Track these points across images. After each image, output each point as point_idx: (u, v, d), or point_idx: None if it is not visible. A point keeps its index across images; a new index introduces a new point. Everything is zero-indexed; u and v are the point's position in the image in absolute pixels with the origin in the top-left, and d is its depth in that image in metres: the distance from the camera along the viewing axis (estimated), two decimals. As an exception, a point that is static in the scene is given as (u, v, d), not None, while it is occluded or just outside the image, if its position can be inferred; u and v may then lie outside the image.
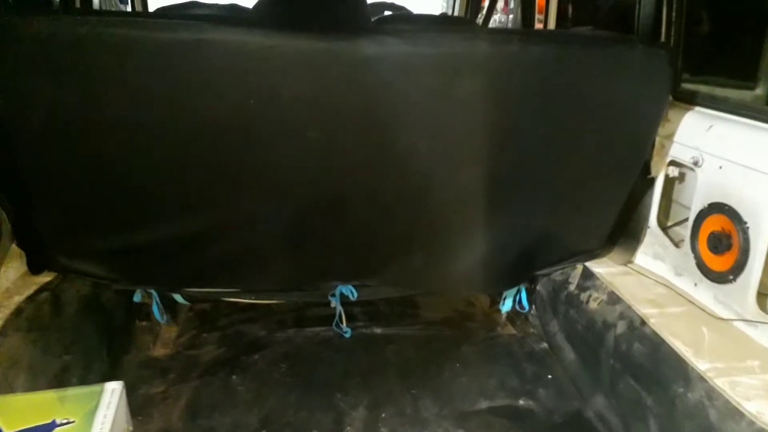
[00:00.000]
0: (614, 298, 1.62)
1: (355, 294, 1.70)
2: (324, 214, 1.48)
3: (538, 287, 1.95)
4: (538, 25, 2.92)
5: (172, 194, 1.40)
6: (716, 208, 1.49)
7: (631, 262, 1.83)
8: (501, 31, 1.55)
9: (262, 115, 1.28)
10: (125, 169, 1.34)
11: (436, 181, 1.47)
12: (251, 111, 1.27)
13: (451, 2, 3.99)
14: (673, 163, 1.69)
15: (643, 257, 1.81)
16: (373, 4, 3.35)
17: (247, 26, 1.21)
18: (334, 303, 1.73)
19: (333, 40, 1.23)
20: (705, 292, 1.55)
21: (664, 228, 1.84)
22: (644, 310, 1.53)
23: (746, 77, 2.27)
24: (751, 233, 1.38)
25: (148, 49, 1.16)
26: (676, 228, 1.84)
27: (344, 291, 1.69)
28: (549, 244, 1.75)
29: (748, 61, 2.26)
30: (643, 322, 1.47)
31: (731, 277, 1.44)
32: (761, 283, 1.40)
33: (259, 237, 1.50)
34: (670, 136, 1.66)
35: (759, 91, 2.26)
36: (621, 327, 1.53)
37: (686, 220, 1.79)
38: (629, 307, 1.55)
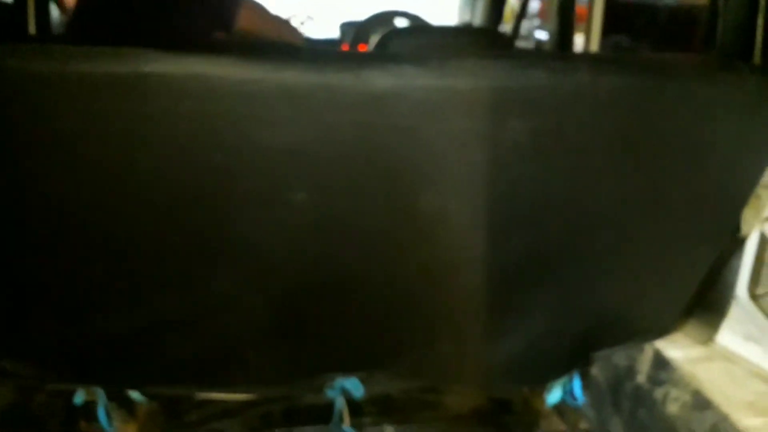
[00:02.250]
0: (702, 401, 1.32)
1: (361, 389, 1.42)
2: (320, 297, 1.21)
3: (594, 371, 1.66)
4: (579, 36, 2.64)
5: (127, 272, 1.14)
6: (844, 287, 1.20)
7: (711, 340, 1.54)
8: (558, 58, 1.29)
9: (231, 173, 1.02)
10: (66, 242, 1.08)
11: (470, 254, 1.19)
12: (218, 168, 1.01)
13: (469, 8, 3.73)
14: (772, 219, 1.41)
15: (729, 336, 1.52)
16: (382, 14, 3.11)
17: (208, 52, 0.95)
18: (334, 398, 1.45)
19: (330, 72, 0.97)
20: (825, 396, 1.26)
21: (755, 297, 1.56)
22: (746, 421, 1.24)
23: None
24: None
25: (65, 86, 0.90)
26: (774, 300, 1.55)
27: (347, 386, 1.42)
28: (613, 321, 1.46)
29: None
30: (749, 443, 1.18)
31: None
32: None
33: (236, 326, 1.23)
34: (769, 186, 1.38)
35: None
36: (717, 446, 1.24)
37: (788, 290, 1.50)
38: (725, 417, 1.26)
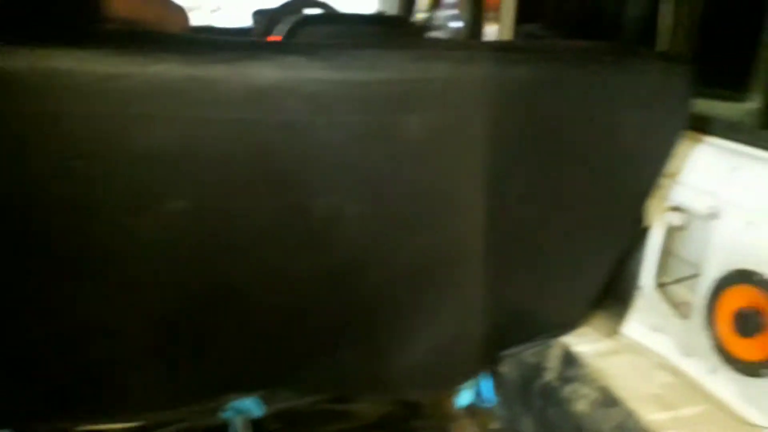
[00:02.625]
0: (608, 398, 1.30)
1: (261, 408, 1.32)
2: (206, 313, 1.10)
3: (504, 370, 1.63)
4: (490, 25, 2.62)
5: None
6: (743, 277, 1.21)
7: (618, 332, 1.55)
8: (463, 45, 1.22)
9: (93, 179, 0.89)
10: None
11: (369, 257, 1.12)
12: (80, 175, 0.88)
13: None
14: (675, 208, 1.41)
15: (636, 327, 1.52)
16: (293, 1, 2.99)
17: (68, 44, 0.82)
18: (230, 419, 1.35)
19: (208, 64, 0.86)
20: (727, 385, 1.27)
21: (660, 286, 1.57)
22: (651, 416, 1.23)
23: (736, 88, 2.06)
24: (798, 317, 1.11)
25: None
26: (678, 289, 1.57)
27: (244, 406, 1.31)
28: (521, 319, 1.43)
29: (737, 70, 2.06)
30: (655, 440, 1.17)
31: (765, 371, 1.17)
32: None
33: (111, 349, 1.10)
34: (671, 175, 1.38)
35: (751, 104, 2.07)
36: (624, 444, 1.23)
37: (691, 277, 1.53)
38: (630, 414, 1.25)
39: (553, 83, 1.02)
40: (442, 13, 4.38)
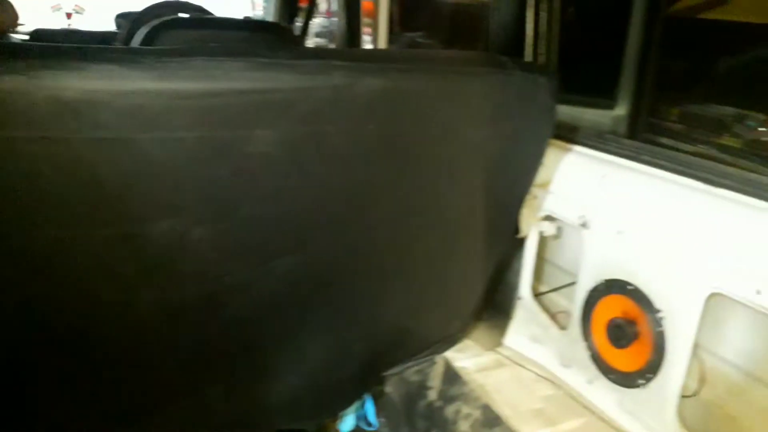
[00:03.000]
0: (491, 417, 1.26)
1: None
2: (37, 352, 0.95)
3: (387, 390, 1.55)
4: (366, 31, 2.56)
5: None
6: (615, 286, 1.19)
7: (500, 344, 1.51)
8: (319, 53, 1.13)
9: None
10: None
11: (227, 284, 1.00)
12: None
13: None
14: (547, 218, 1.39)
15: (517, 339, 1.50)
16: (160, 4, 2.80)
17: None
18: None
19: (2, 73, 0.71)
20: (605, 395, 1.25)
21: (537, 296, 1.55)
22: (533, 434, 1.19)
23: (603, 96, 2.11)
24: (667, 325, 1.09)
25: None
26: (560, 299, 1.55)
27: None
28: (401, 337, 1.36)
29: (604, 78, 2.10)
30: (538, 461, 1.12)
31: (641, 381, 1.15)
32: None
33: None
34: (544, 185, 1.36)
35: (619, 111, 2.11)
36: (506, 466, 1.18)
37: (568, 286, 1.51)
38: (513, 432, 1.20)
39: (410, 94, 0.95)
40: (322, 21, 4.31)
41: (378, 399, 1.56)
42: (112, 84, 0.76)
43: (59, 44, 0.77)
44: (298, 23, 3.23)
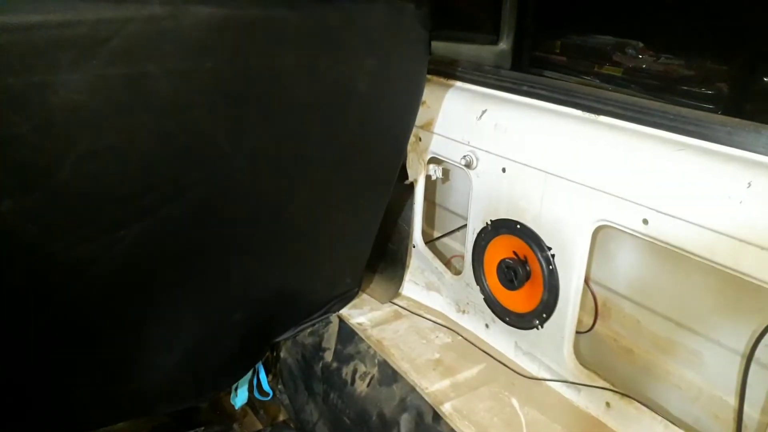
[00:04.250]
0: (388, 374, 1.18)
1: None
2: None
3: (282, 356, 1.45)
4: None
5: None
6: (504, 226, 1.13)
7: (398, 295, 1.44)
8: None
9: None
10: None
11: (69, 256, 0.85)
12: None
13: None
14: (434, 161, 1.31)
15: (413, 289, 1.43)
16: None
17: None
18: None
19: None
20: (502, 338, 1.21)
21: (430, 242, 1.48)
22: (432, 388, 1.13)
23: (487, 31, 2.03)
24: (559, 263, 1.04)
25: None
26: (449, 243, 1.49)
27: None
28: (289, 299, 1.25)
29: (488, 13, 2.01)
30: (437, 416, 1.06)
31: (536, 322, 1.11)
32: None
33: None
34: (427, 126, 1.26)
35: (503, 45, 2.05)
36: (406, 423, 1.11)
37: (458, 230, 1.45)
38: (412, 388, 1.13)
39: (253, 25, 0.82)
40: None
41: (273, 366, 1.46)
42: None
43: None
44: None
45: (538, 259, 1.07)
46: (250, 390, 1.40)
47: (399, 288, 1.44)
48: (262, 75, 0.86)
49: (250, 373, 1.37)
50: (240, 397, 1.37)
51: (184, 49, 0.76)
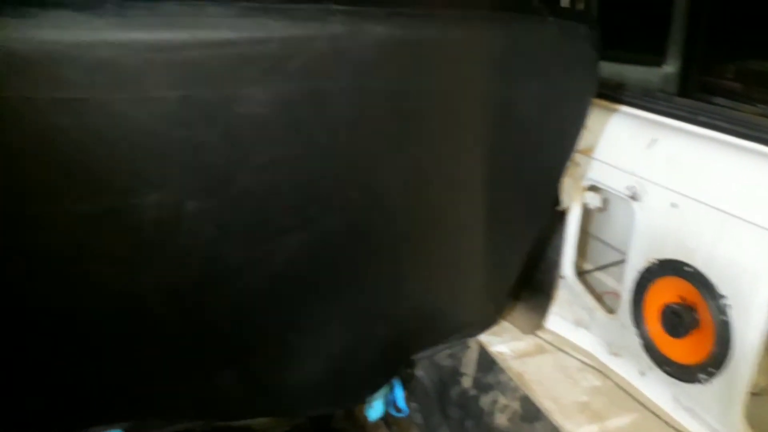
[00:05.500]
0: (531, 410, 1.12)
1: None
2: (32, 333, 0.86)
3: (418, 374, 1.43)
4: None
5: None
6: (671, 268, 1.03)
7: (541, 327, 1.36)
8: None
9: None
10: None
11: (233, 262, 0.89)
12: None
13: None
14: (592, 188, 1.23)
15: (559, 322, 1.35)
16: None
17: None
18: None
19: None
20: (659, 389, 1.10)
21: (582, 275, 1.40)
22: (578, 430, 1.05)
23: (651, 51, 1.90)
24: (734, 314, 0.93)
25: None
26: (606, 278, 1.39)
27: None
28: (430, 318, 1.23)
29: (651, 30, 1.88)
30: (582, 463, 0.99)
31: (702, 376, 1.00)
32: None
33: None
34: (587, 151, 1.19)
35: (669, 67, 1.90)
36: (547, 467, 1.04)
37: (616, 264, 1.35)
38: (555, 429, 1.06)
39: (424, 44, 0.80)
40: None
41: (408, 383, 1.44)
42: (67, 33, 0.63)
43: None
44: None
45: (709, 307, 0.96)
46: (386, 404, 1.38)
47: (543, 320, 1.37)
48: (427, 94, 0.85)
49: (386, 388, 1.36)
50: (375, 409, 1.37)
51: (358, 68, 0.77)
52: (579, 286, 1.30)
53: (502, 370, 1.23)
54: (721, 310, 0.94)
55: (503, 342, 1.32)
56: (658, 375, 1.09)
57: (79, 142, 0.71)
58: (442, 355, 1.39)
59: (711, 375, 0.98)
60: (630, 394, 1.13)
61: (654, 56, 1.90)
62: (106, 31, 0.65)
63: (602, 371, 1.20)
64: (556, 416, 1.08)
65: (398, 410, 1.41)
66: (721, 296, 0.94)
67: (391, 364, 1.29)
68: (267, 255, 0.91)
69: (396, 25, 0.77)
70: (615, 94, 1.16)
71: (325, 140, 0.81)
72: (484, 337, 1.33)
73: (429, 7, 0.82)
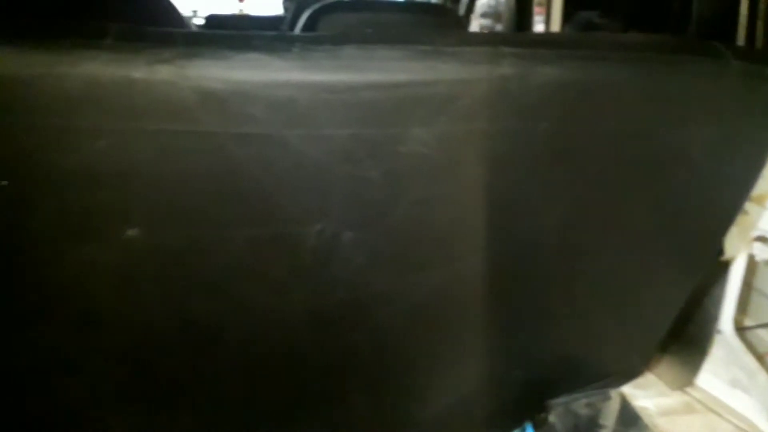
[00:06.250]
0: (679, 476, 1.05)
1: None
2: (178, 352, 0.92)
3: (551, 420, 1.38)
4: (538, 10, 2.36)
5: None
6: None
7: (690, 384, 1.27)
8: (486, 38, 0.97)
9: (27, 202, 0.73)
10: None
11: (375, 292, 0.91)
12: (9, 196, 0.72)
13: None
14: (762, 239, 1.14)
15: (711, 380, 1.25)
16: None
17: None
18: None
19: (149, 63, 0.67)
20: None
21: (742, 331, 1.29)
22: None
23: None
24: None
25: None
26: (765, 335, 1.28)
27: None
28: (571, 364, 1.19)
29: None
30: None
31: None
32: None
33: (77, 388, 0.94)
34: (760, 199, 1.11)
35: None
36: None
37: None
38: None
39: (594, 87, 0.78)
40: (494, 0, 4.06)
41: (540, 428, 1.40)
42: (257, 74, 0.69)
43: (206, 31, 0.72)
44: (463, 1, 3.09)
45: None
46: (515, 449, 1.35)
47: (694, 376, 1.28)
48: (592, 137, 0.82)
49: (517, 431, 1.33)
50: (503, 454, 1.33)
51: (524, 109, 0.76)
52: (738, 344, 1.20)
53: (646, 427, 1.16)
54: None
55: (648, 396, 1.24)
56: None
57: (256, 173, 0.76)
58: (578, 403, 1.33)
59: None
60: (796, 471, 1.03)
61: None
62: (291, 72, 0.69)
63: (763, 441, 1.10)
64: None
65: (527, 454, 1.37)
66: None
67: (523, 407, 1.25)
68: (410, 287, 0.93)
69: (566, 67, 0.75)
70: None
71: (481, 180, 0.81)
72: (627, 389, 1.26)
73: (601, 48, 0.80)
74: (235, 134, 0.71)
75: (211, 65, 0.67)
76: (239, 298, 0.88)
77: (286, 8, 3.31)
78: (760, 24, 1.24)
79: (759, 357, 1.21)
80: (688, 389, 1.25)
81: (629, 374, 1.27)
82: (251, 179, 0.76)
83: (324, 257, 0.85)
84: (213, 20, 3.24)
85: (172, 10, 1.46)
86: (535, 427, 1.37)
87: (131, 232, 0.78)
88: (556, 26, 2.08)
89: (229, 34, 0.71)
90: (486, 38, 0.76)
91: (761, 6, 1.20)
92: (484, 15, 4.12)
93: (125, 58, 0.66)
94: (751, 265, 1.22)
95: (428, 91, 0.73)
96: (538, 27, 2.33)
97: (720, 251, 1.17)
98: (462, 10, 3.02)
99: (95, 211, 0.76)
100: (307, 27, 1.88)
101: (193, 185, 0.75)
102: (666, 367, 1.32)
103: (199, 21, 3.47)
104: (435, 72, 0.73)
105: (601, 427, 1.24)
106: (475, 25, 3.72)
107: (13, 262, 0.79)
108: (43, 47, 0.66)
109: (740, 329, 1.28)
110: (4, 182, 0.72)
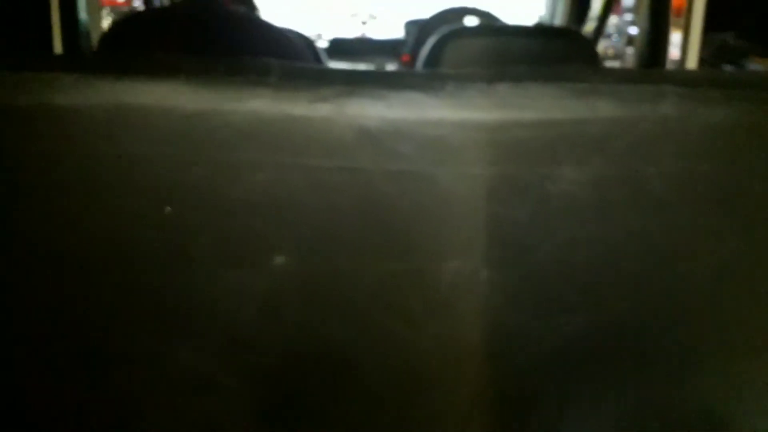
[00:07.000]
0: None
1: None
2: (310, 376, 0.95)
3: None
4: (675, 32, 2.24)
5: (74, 343, 0.92)
6: None
7: None
8: (646, 75, 0.86)
9: (185, 229, 0.78)
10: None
11: (513, 332, 0.91)
12: (169, 224, 0.77)
13: (551, 5, 3.32)
14: None
15: None
16: (448, 11, 2.85)
17: (149, 75, 0.71)
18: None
19: (309, 101, 0.71)
20: None
21: None
22: None
23: None
24: None
25: None
26: None
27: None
28: (696, 426, 1.12)
29: None
30: None
31: None
32: None
33: (212, 408, 0.99)
34: None
35: None
36: None
37: None
38: None
39: (756, 130, 0.74)
40: (618, 20, 3.91)
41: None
42: (412, 113, 0.70)
43: (363, 70, 0.74)
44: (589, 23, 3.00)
45: None
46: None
47: None
48: (757, 181, 0.78)
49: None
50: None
51: (685, 151, 0.73)
52: None
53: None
54: None
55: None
56: None
57: (401, 209, 0.77)
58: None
59: None
60: None
61: None
62: (444, 110, 0.70)
63: None
64: None
65: None
66: None
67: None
68: (549, 331, 0.91)
69: (733, 108, 0.72)
70: None
71: (633, 223, 0.78)
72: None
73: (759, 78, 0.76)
74: (386, 171, 0.73)
75: (368, 104, 0.69)
76: (374, 327, 0.90)
77: (408, 31, 3.37)
78: None
79: None
80: None
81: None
82: (397, 214, 0.78)
83: (459, 294, 0.85)
84: (336, 44, 3.36)
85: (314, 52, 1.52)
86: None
87: (279, 260, 0.81)
88: (695, 48, 1.97)
89: (385, 72, 0.73)
90: (646, 76, 0.74)
91: None
92: (606, 36, 3.99)
93: (287, 96, 0.70)
94: None
95: (583, 130, 0.72)
96: (673, 51, 2.22)
97: None
98: (589, 32, 2.94)
99: (249, 239, 0.80)
100: (433, 53, 1.91)
101: (341, 218, 0.77)
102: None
103: (324, 44, 3.62)
104: (591, 110, 0.71)
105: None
106: (599, 47, 3.60)
107: (173, 284, 0.86)
108: (216, 84, 0.71)
109: None
110: (168, 208, 0.78)
